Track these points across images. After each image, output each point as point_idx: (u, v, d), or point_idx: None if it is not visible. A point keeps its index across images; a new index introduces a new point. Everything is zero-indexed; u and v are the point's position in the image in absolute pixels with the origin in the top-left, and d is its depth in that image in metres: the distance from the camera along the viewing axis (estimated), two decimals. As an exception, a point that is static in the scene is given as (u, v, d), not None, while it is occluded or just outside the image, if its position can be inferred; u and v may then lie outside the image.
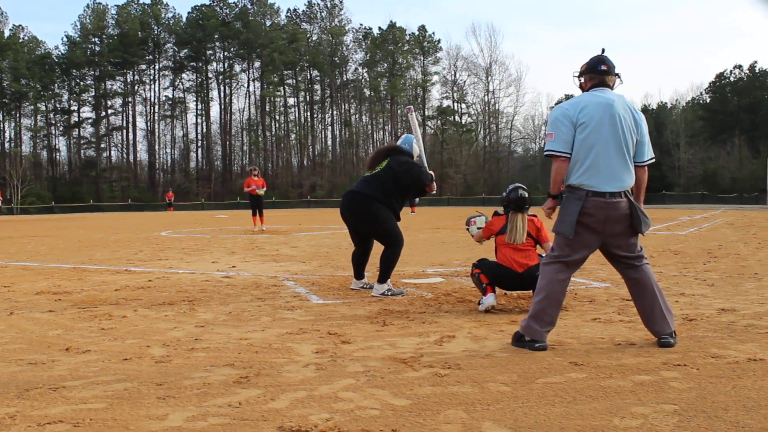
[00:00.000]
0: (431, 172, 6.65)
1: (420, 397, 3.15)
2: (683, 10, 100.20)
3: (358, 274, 6.86)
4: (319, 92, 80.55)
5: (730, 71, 68.50)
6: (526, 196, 5.75)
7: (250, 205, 19.86)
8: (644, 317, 4.24)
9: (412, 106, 7.50)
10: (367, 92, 78.41)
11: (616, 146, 4.08)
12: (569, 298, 6.03)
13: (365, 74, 79.60)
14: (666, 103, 70.83)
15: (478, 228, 6.13)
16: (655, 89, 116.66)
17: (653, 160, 4.32)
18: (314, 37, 79.42)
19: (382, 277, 6.44)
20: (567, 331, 4.62)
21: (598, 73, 4.19)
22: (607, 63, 4.20)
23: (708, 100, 69.46)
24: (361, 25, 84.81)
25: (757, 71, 66.76)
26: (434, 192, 6.76)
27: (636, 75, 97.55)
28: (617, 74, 4.24)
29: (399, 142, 6.91)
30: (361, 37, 78.61)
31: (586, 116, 4.06)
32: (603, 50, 4.28)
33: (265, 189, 19.38)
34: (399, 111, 77.32)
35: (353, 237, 6.88)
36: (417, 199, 7.12)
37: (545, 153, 4.24)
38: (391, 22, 77.79)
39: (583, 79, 4.27)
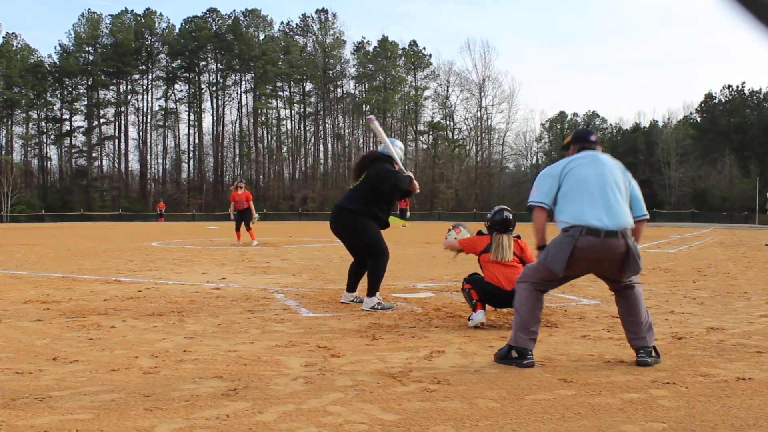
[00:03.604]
0: (409, 174, 6.75)
1: (409, 412, 3.14)
2: (676, 29, 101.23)
3: (351, 286, 6.86)
4: (313, 104, 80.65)
5: (720, 91, 69.25)
6: (511, 218, 5.87)
7: (234, 218, 18.30)
8: (629, 333, 4.26)
9: (372, 116, 7.54)
10: (363, 107, 78.42)
11: (607, 184, 4.20)
12: (559, 314, 6.05)
13: (359, 88, 79.86)
14: (657, 121, 71.33)
15: (456, 238, 6.17)
16: (648, 108, 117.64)
17: (647, 218, 4.40)
18: (308, 50, 79.61)
19: (371, 291, 6.45)
20: (556, 348, 4.62)
21: (588, 142, 4.46)
22: (595, 134, 4.56)
23: (698, 120, 70.01)
24: (363, 38, 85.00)
25: (746, 92, 67.46)
26: (418, 191, 6.88)
27: (629, 93, 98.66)
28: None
29: (380, 148, 6.99)
30: (354, 50, 78.92)
31: (575, 162, 4.30)
32: (588, 124, 4.48)
33: (245, 202, 17.80)
34: (392, 124, 77.43)
35: (348, 248, 6.94)
36: (408, 213, 7.18)
37: (527, 205, 4.40)
38: (383, 36, 78.18)
39: (570, 149, 4.52)
